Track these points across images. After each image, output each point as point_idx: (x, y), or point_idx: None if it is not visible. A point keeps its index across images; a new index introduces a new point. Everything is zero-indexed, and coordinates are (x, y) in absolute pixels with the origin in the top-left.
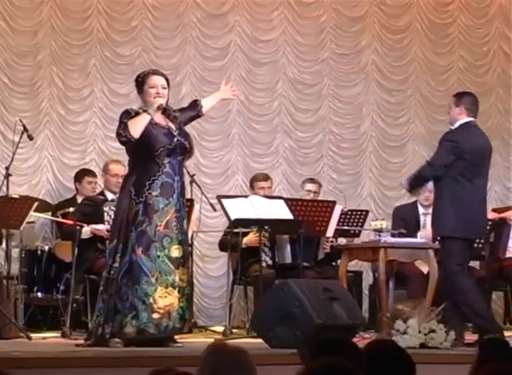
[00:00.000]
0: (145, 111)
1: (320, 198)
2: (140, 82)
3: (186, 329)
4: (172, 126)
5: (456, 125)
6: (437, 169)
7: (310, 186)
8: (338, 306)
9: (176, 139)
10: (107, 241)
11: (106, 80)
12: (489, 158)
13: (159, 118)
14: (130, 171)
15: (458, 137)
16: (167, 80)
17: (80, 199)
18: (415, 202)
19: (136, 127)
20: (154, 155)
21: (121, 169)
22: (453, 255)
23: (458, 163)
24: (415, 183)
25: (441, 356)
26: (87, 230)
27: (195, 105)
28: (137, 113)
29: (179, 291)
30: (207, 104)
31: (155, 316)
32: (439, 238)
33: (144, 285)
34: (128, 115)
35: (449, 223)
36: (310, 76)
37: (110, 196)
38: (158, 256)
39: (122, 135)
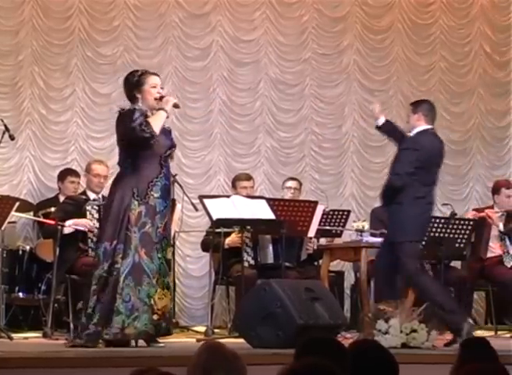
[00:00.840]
0: (161, 109)
1: (302, 198)
2: (139, 82)
3: (171, 330)
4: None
5: (415, 131)
6: (404, 177)
7: (290, 183)
8: (320, 306)
9: (173, 141)
10: (89, 240)
11: (88, 80)
12: (440, 166)
13: None
14: (129, 170)
15: (419, 144)
16: None
17: (62, 199)
18: None
19: (158, 125)
20: (160, 157)
21: (103, 170)
22: (412, 257)
23: (415, 170)
24: (390, 196)
25: (422, 356)
26: (68, 224)
27: None
28: (145, 112)
29: (170, 293)
30: None
31: (155, 317)
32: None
33: (145, 287)
34: (141, 113)
35: (409, 228)
36: (292, 76)
37: (92, 196)
38: (159, 258)
39: (146, 132)
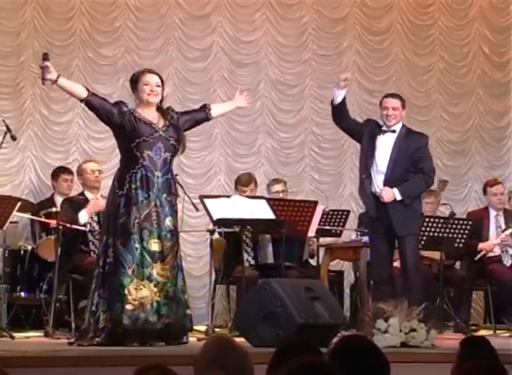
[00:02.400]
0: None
1: (302, 198)
2: (135, 80)
3: (160, 325)
4: (161, 122)
5: (401, 125)
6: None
7: (276, 187)
8: (319, 305)
9: (157, 134)
10: (90, 242)
11: (89, 81)
12: None
13: (148, 113)
14: (118, 166)
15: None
16: (161, 78)
17: (57, 197)
18: None
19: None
20: (132, 147)
21: (95, 165)
22: (416, 251)
23: None
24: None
25: (422, 355)
26: (84, 215)
27: (204, 107)
28: (125, 112)
29: (155, 285)
30: (218, 109)
31: (129, 307)
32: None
33: (120, 276)
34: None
35: (415, 222)
36: (292, 77)
37: (90, 196)
38: (137, 248)
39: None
